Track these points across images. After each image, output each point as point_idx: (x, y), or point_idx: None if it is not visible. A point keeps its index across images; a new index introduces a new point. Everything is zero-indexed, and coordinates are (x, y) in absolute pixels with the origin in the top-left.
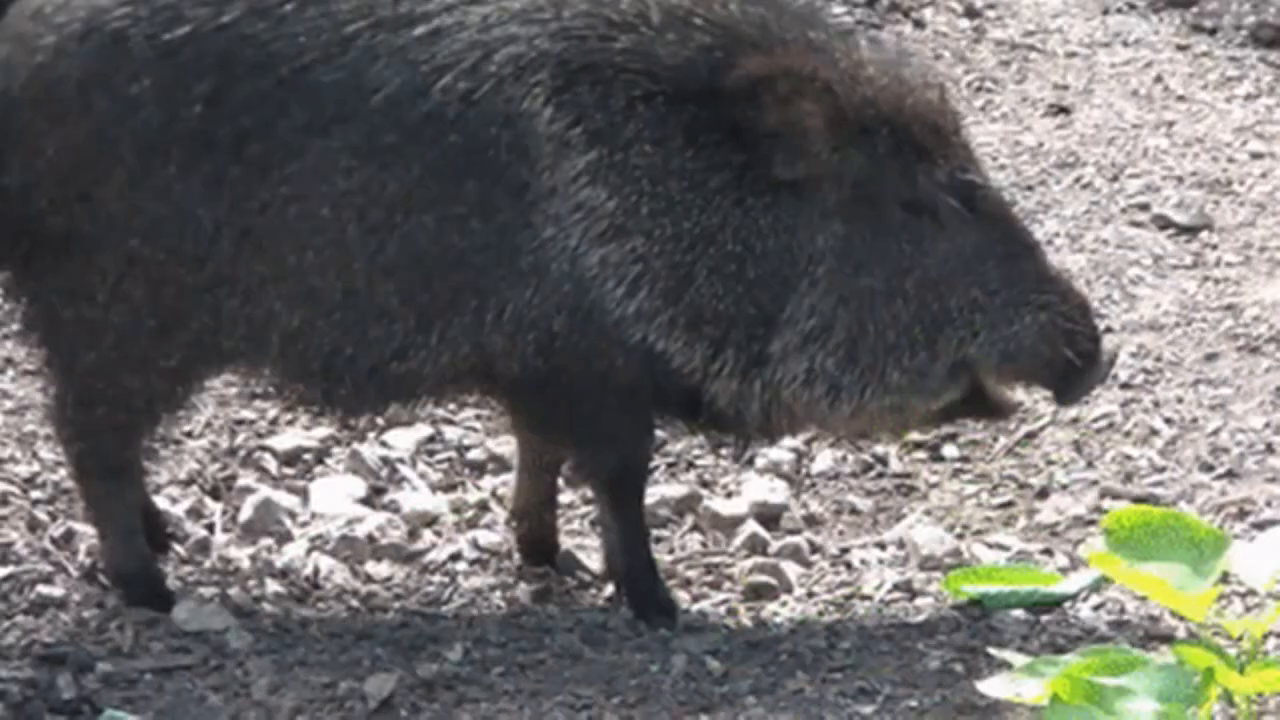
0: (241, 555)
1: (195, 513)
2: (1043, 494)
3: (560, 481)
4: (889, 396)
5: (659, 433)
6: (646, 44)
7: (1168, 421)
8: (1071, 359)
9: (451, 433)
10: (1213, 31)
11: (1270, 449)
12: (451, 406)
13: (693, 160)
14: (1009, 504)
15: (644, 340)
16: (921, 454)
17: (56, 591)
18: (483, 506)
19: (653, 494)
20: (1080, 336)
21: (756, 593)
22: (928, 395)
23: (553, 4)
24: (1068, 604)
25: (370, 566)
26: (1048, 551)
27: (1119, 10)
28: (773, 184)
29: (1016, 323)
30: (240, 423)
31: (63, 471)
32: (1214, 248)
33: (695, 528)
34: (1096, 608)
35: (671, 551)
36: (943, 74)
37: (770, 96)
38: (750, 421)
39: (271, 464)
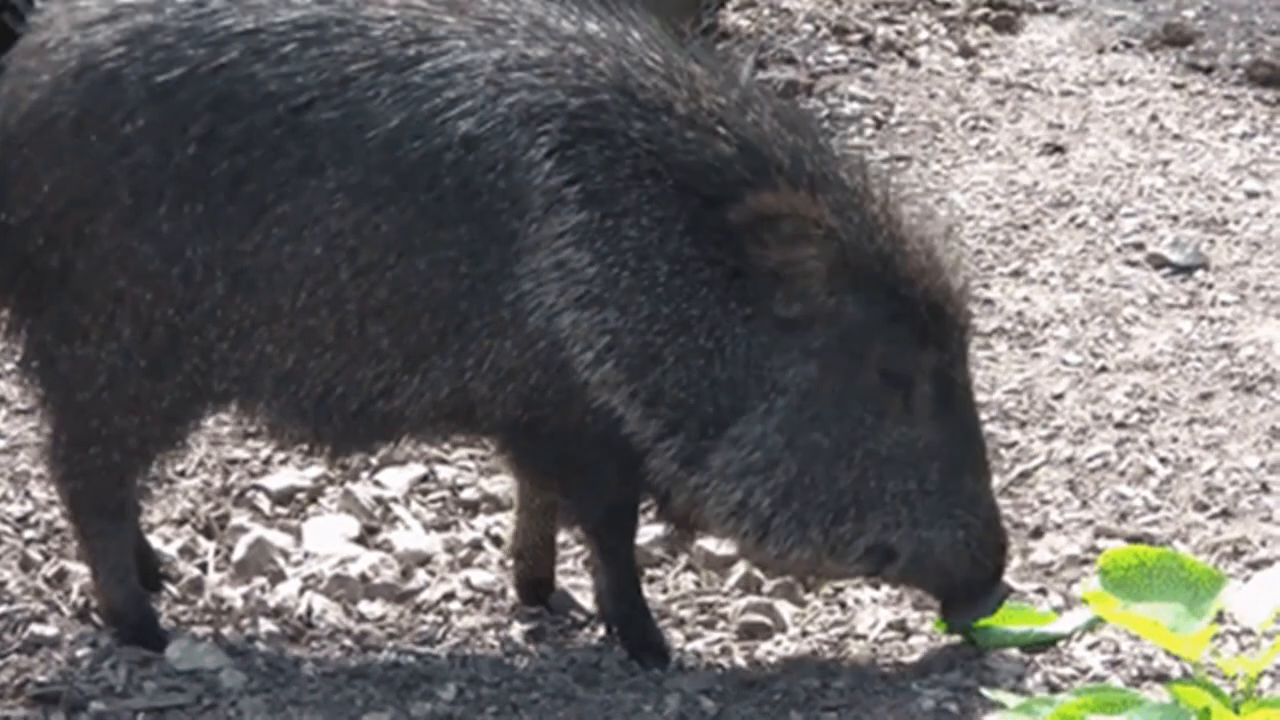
0: (235, 594)
1: (188, 552)
2: (1037, 533)
3: None
4: (808, 552)
5: None
6: (665, 133)
7: (1163, 461)
8: (967, 584)
9: (445, 472)
10: (1208, 70)
11: (1265, 488)
12: (445, 446)
13: (690, 247)
14: None
15: (606, 404)
16: None
17: (49, 631)
18: (476, 546)
19: (646, 533)
20: (982, 568)
21: (750, 632)
22: (844, 564)
23: (576, 60)
24: (1062, 643)
25: (363, 606)
26: (1042, 591)
27: (1114, 49)
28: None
29: (934, 529)
30: (233, 462)
31: (55, 510)
32: (1209, 287)
33: (689, 567)
34: (1091, 647)
35: (665, 591)
36: (939, 113)
37: (774, 236)
38: (673, 510)
39: (265, 503)
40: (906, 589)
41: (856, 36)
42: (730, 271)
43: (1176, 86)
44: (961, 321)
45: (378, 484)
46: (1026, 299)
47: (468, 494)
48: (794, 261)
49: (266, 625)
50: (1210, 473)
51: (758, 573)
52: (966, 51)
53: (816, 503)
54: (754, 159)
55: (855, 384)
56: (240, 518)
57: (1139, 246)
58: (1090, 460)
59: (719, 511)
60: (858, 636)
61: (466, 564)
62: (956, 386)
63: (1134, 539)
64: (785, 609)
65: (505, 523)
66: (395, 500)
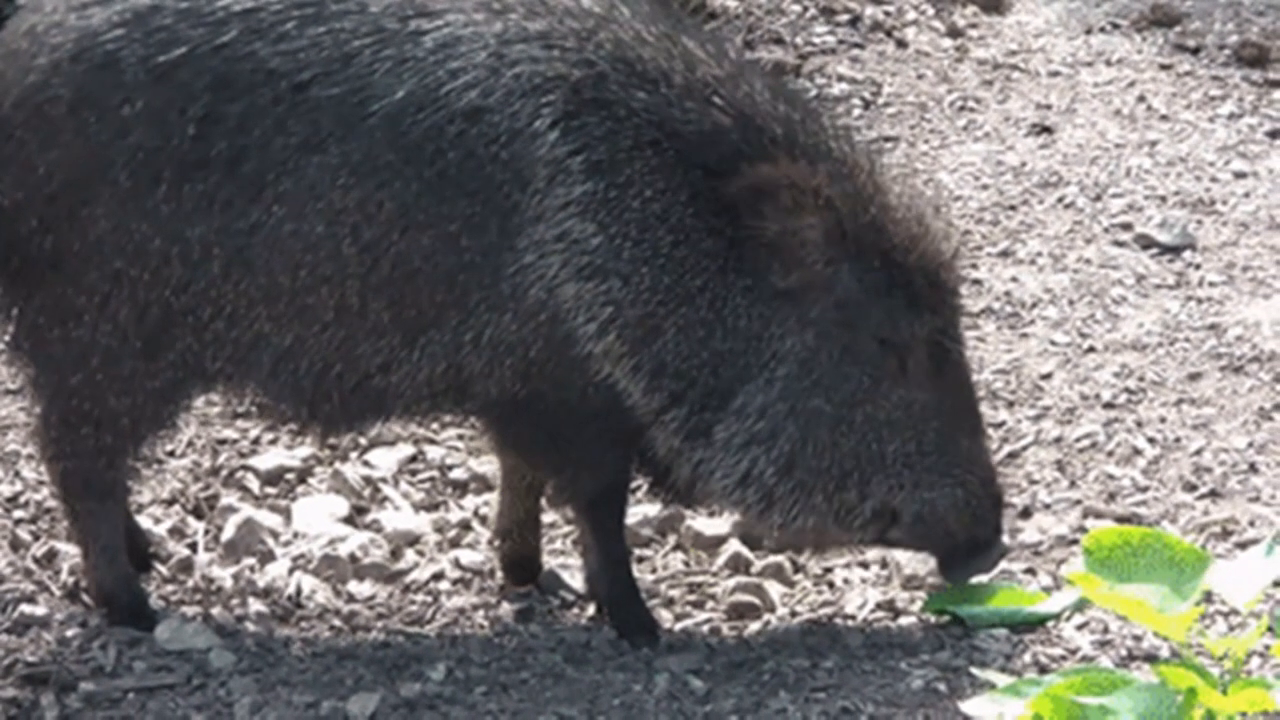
0: (224, 575)
1: (178, 532)
2: (1025, 513)
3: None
4: (813, 519)
5: None
6: (664, 104)
7: (1151, 441)
8: (969, 541)
9: (434, 452)
10: (1196, 51)
11: (1253, 468)
12: (434, 426)
13: (692, 217)
14: None
15: (609, 377)
16: None
17: (39, 611)
18: (465, 526)
19: (635, 513)
20: (983, 524)
21: (739, 612)
22: (850, 530)
23: (576, 34)
24: (1051, 623)
25: (353, 586)
26: (1031, 571)
27: (1102, 30)
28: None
29: (936, 489)
30: (223, 442)
31: (45, 491)
32: (1197, 267)
33: (678, 547)
34: (1080, 627)
35: (654, 571)
36: (927, 94)
37: (772, 207)
38: (677, 483)
39: (254, 483)
40: (907, 549)
41: (844, 16)
42: (730, 242)
43: (1164, 67)
44: (954, 286)
45: (367, 464)
46: (1014, 279)
47: (456, 474)
48: (792, 231)
49: (256, 605)
50: (1198, 453)
51: (746, 553)
52: (954, 32)
53: (819, 469)
54: (749, 130)
55: (853, 350)
56: (229, 498)
57: (1127, 227)
58: (1078, 440)
59: (725, 484)
60: (846, 616)
61: (455, 544)
62: (951, 350)
63: (1122, 519)
64: (774, 589)
65: (493, 503)
66: (384, 480)
